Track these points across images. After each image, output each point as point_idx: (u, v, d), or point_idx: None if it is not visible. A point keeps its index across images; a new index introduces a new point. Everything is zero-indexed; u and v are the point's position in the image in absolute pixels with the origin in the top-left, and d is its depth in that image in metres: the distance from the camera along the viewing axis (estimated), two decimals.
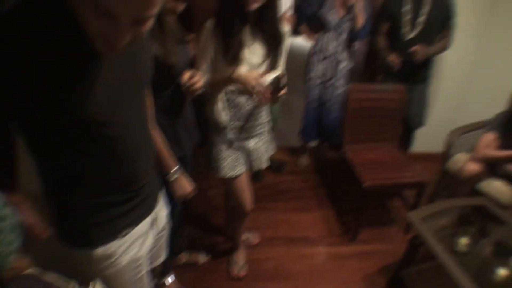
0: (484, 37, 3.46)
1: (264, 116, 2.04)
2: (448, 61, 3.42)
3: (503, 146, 2.64)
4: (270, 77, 1.71)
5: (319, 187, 3.32)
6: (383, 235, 2.79)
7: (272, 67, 1.85)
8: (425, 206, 2.30)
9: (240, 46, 1.74)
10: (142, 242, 1.20)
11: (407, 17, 2.84)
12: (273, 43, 1.81)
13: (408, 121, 3.14)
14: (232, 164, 1.99)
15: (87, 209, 1.03)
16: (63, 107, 0.83)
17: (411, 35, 2.86)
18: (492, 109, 2.80)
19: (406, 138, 3.27)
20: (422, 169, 2.78)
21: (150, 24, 0.80)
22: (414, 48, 2.77)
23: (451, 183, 2.79)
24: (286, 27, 1.87)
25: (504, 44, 3.31)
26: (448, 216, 2.30)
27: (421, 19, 2.81)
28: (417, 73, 2.98)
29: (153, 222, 1.28)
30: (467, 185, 2.65)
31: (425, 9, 2.80)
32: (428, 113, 3.31)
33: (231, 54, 1.74)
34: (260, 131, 2.05)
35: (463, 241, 1.99)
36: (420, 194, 2.67)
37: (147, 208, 1.22)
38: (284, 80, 1.68)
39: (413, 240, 2.19)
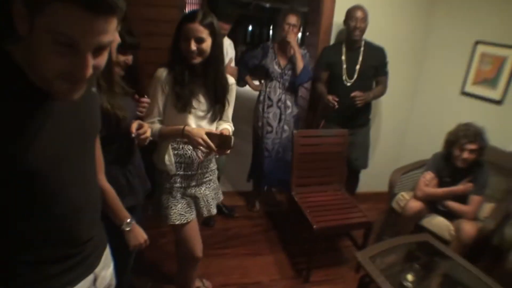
0: (420, 82, 3.76)
1: (211, 164, 2.08)
2: (388, 105, 3.67)
3: (440, 184, 2.82)
4: (220, 128, 1.82)
5: (270, 230, 3.32)
6: (334, 276, 2.80)
7: (217, 117, 1.95)
8: (372, 245, 2.37)
9: (190, 95, 1.81)
10: None
11: (344, 66, 3.05)
12: (218, 95, 1.89)
13: (352, 163, 3.27)
14: (180, 212, 1.97)
15: (20, 266, 0.94)
16: (2, 158, 0.79)
17: (349, 82, 3.05)
18: (430, 149, 3.00)
19: (351, 179, 3.39)
20: (369, 209, 2.88)
21: (106, 57, 0.82)
22: (354, 93, 2.95)
23: (396, 221, 2.91)
24: (231, 79, 1.96)
25: (438, 88, 3.60)
26: (396, 253, 2.38)
27: (357, 67, 3.03)
28: (357, 117, 3.15)
29: (95, 282, 1.17)
30: (410, 222, 2.78)
31: (359, 58, 3.04)
32: (371, 155, 3.49)
33: (181, 102, 1.80)
34: (208, 178, 2.08)
35: (409, 277, 2.05)
36: (368, 233, 2.74)
37: (88, 267, 1.12)
38: (231, 139, 1.78)
39: (363, 279, 2.23)
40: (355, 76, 3.04)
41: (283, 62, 3.17)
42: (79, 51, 0.74)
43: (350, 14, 2.95)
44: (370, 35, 3.12)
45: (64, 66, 0.76)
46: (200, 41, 1.72)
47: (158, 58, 1.94)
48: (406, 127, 3.93)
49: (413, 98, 3.83)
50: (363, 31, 2.97)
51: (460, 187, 2.69)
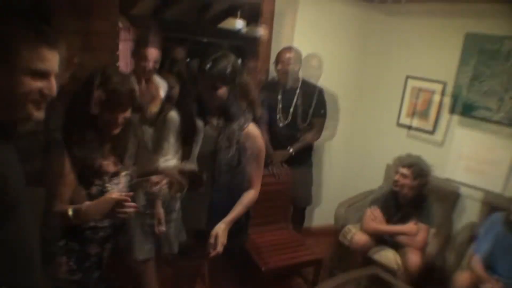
0: (360, 116, 3.90)
1: (175, 204, 2.20)
2: (331, 141, 3.76)
3: (387, 216, 2.88)
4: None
5: (226, 271, 3.20)
6: None
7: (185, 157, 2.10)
8: (323, 283, 2.34)
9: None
10: None
11: (279, 106, 3.05)
12: (186, 137, 2.04)
13: (297, 201, 3.26)
14: (142, 247, 2.06)
15: None
16: None
17: (283, 123, 3.05)
18: (375, 179, 3.09)
19: (297, 216, 3.36)
20: (319, 243, 2.87)
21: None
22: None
23: (345, 254, 2.91)
24: (199, 123, 1.98)
25: (376, 121, 3.75)
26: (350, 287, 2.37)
27: (291, 109, 3.04)
28: (298, 157, 3.11)
29: None
30: (358, 255, 2.79)
31: (295, 100, 3.04)
32: (316, 190, 3.52)
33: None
34: (171, 217, 2.19)
35: None
36: (318, 270, 2.72)
37: None
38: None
39: None
40: (289, 117, 3.04)
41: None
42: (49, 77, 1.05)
43: (278, 56, 3.00)
44: (308, 75, 3.20)
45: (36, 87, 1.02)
46: None
47: None
48: (348, 159, 4.03)
49: (353, 132, 3.94)
50: (289, 73, 2.98)
51: (405, 227, 2.78)
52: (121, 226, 1.73)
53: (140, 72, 2.36)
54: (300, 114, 3.06)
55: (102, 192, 1.53)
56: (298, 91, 3.05)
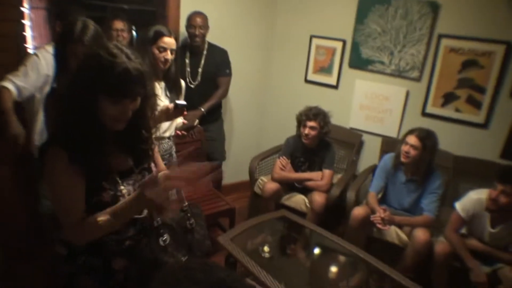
0: (270, 75, 4.11)
1: None
2: (242, 98, 3.91)
3: (295, 163, 3.14)
4: None
5: None
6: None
7: None
8: (233, 228, 2.54)
9: None
10: None
11: (188, 69, 3.15)
12: None
13: (212, 156, 3.40)
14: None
15: None
16: None
17: (193, 85, 3.16)
18: (285, 134, 3.31)
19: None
20: (237, 198, 3.06)
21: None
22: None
23: (260, 204, 3.14)
24: None
25: (286, 78, 3.98)
26: (258, 231, 2.60)
27: (199, 70, 3.16)
28: (210, 115, 3.23)
29: None
30: (270, 202, 3.03)
31: (202, 61, 3.16)
32: (231, 147, 3.70)
33: None
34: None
35: (266, 248, 2.27)
36: (232, 219, 2.93)
37: None
38: None
39: (228, 259, 2.39)
40: (199, 78, 3.16)
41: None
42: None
43: (189, 20, 3.06)
44: (215, 38, 3.29)
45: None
46: None
47: None
48: (261, 117, 4.26)
49: (265, 90, 4.15)
50: (202, 37, 3.09)
51: (312, 174, 3.08)
52: (150, 232, 1.43)
53: None
54: (208, 75, 3.19)
55: (116, 196, 1.27)
56: (205, 53, 3.16)
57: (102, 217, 1.17)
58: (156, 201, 1.12)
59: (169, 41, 2.18)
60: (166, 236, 1.42)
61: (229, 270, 0.65)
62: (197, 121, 2.49)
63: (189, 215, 1.61)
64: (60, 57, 1.74)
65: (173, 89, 2.34)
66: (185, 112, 1.96)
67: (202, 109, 3.09)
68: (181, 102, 1.94)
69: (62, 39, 1.76)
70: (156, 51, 2.17)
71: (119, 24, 2.97)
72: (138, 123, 1.28)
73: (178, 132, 2.21)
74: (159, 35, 2.17)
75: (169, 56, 2.19)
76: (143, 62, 1.19)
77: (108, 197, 1.24)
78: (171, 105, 1.93)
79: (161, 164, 1.62)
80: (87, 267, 1.29)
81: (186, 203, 1.61)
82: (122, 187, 1.29)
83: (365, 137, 3.50)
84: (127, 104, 1.16)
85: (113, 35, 2.94)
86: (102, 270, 1.30)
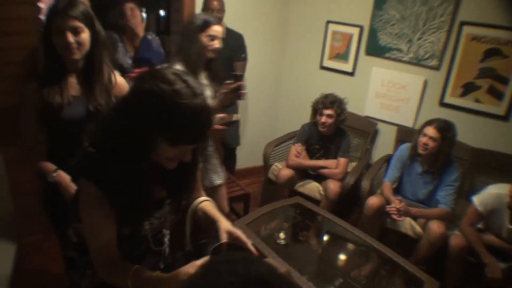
0: (285, 61, 4.07)
1: None
2: (257, 84, 3.89)
3: (310, 150, 3.12)
4: None
5: None
6: None
7: None
8: (249, 214, 2.54)
9: None
10: None
11: None
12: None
13: (227, 141, 3.42)
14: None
15: None
16: None
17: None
18: (300, 121, 3.28)
19: (229, 158, 3.55)
20: (251, 183, 3.06)
21: None
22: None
23: (274, 190, 3.14)
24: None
25: (301, 65, 3.93)
26: (273, 217, 2.61)
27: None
28: None
29: None
30: (284, 189, 3.04)
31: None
32: (246, 133, 3.69)
33: None
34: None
35: (281, 235, 2.27)
36: (247, 204, 2.93)
37: None
38: None
39: None
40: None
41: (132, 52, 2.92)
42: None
43: (206, 4, 3.02)
44: (230, 22, 3.24)
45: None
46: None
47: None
48: (276, 103, 4.23)
49: (280, 76, 4.12)
50: (220, 20, 3.04)
51: (327, 161, 3.07)
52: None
53: None
54: (223, 59, 3.13)
55: (138, 232, 1.16)
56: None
57: (133, 277, 1.02)
58: None
59: (218, 29, 2.13)
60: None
61: (270, 264, 0.64)
62: (236, 115, 2.46)
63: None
64: (45, 34, 1.57)
65: (214, 79, 2.30)
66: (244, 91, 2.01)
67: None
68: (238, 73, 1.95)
69: (47, 13, 1.59)
70: (205, 39, 2.10)
71: (130, 5, 2.88)
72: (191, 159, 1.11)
73: (219, 126, 2.19)
74: (208, 24, 2.10)
75: (218, 44, 2.15)
76: (203, 91, 1.01)
77: (128, 232, 1.13)
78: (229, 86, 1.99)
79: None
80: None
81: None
82: (146, 223, 1.15)
83: (380, 125, 3.47)
84: (189, 148, 1.03)
85: (128, 14, 2.85)
86: None
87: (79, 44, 1.53)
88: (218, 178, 2.35)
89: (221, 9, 3.03)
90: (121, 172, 1.00)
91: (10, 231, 2.20)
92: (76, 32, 1.52)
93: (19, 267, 1.97)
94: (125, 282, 1.03)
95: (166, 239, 1.34)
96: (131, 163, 1.00)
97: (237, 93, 2.06)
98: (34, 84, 1.57)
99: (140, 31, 2.87)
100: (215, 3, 2.99)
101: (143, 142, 0.98)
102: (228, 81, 2.03)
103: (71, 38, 1.50)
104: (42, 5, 2.49)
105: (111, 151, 1.00)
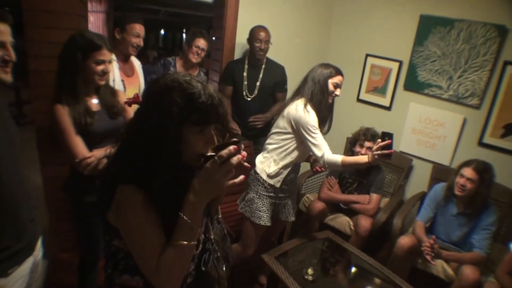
0: None
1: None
2: None
3: (343, 184, 3.12)
4: None
5: None
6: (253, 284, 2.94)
7: None
8: (278, 247, 2.55)
9: None
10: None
11: (245, 82, 3.20)
12: None
13: None
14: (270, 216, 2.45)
15: None
16: None
17: (250, 98, 3.22)
18: (334, 152, 3.26)
19: None
20: None
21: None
22: (253, 117, 3.19)
23: (304, 222, 3.14)
24: None
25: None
26: (302, 251, 2.60)
27: (257, 84, 3.20)
28: (261, 130, 3.26)
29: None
30: (315, 221, 3.03)
31: (260, 75, 3.20)
32: None
33: None
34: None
35: (310, 271, 2.27)
36: (280, 237, 2.94)
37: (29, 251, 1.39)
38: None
39: (271, 277, 2.41)
40: (256, 92, 3.21)
41: None
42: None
43: (254, 35, 3.10)
44: (274, 53, 3.33)
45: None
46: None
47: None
48: None
49: None
50: (266, 51, 3.14)
51: (359, 196, 3.05)
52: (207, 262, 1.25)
53: (130, 49, 2.52)
54: (265, 90, 3.23)
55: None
56: (263, 67, 3.20)
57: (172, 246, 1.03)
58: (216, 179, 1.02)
59: (340, 79, 2.58)
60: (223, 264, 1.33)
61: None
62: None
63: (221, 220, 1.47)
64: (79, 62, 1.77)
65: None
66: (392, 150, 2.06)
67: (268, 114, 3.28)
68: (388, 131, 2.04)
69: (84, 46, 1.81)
70: (331, 87, 2.53)
71: (201, 42, 3.13)
72: None
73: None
74: (338, 72, 2.55)
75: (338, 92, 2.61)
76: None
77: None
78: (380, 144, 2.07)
79: None
80: None
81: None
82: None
83: (415, 162, 3.42)
84: (212, 130, 1.09)
85: (193, 50, 3.13)
86: None
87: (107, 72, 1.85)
88: (292, 216, 2.59)
89: (268, 40, 3.11)
90: (161, 173, 1.02)
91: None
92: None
93: (50, 284, 2.04)
94: (179, 261, 1.03)
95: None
96: (167, 161, 1.03)
97: (387, 153, 2.03)
98: (64, 104, 1.75)
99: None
100: (263, 34, 3.07)
101: (175, 134, 1.02)
102: (379, 140, 2.05)
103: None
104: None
105: (144, 155, 1.03)
